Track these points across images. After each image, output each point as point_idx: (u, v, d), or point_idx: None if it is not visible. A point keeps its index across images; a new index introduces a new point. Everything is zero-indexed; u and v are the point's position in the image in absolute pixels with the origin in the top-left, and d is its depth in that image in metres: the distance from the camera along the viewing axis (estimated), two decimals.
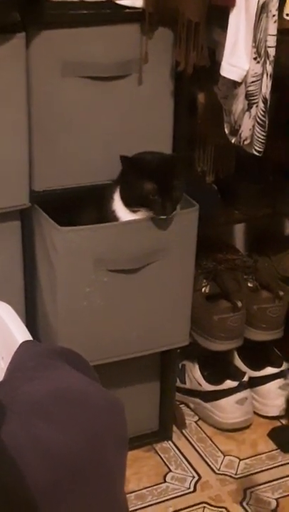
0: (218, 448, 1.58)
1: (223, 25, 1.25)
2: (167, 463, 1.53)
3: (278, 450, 1.58)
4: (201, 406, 1.64)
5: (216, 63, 1.30)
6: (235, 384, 1.59)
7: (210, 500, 1.45)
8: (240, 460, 1.55)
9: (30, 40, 1.20)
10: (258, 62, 1.24)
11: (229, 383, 1.59)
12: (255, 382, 1.64)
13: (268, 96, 1.26)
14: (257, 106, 1.27)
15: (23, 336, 1.07)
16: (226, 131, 1.36)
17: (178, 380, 1.65)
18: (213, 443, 1.59)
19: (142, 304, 1.37)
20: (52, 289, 1.32)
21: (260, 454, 1.56)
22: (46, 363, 0.98)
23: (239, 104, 1.30)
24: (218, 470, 1.52)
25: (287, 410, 1.62)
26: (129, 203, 1.30)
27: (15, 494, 0.80)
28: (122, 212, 1.31)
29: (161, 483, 1.49)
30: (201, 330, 1.58)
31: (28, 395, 0.90)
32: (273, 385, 1.64)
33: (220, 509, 1.43)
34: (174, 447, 1.58)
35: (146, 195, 1.28)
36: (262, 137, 1.29)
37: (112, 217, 1.32)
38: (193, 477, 1.50)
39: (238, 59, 1.25)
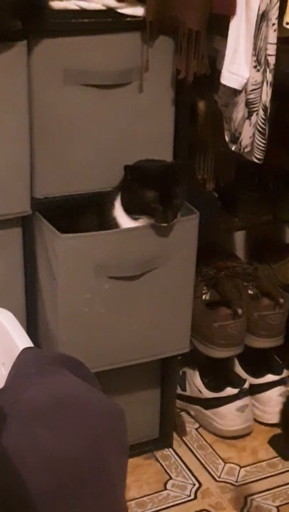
0: (218, 455, 1.58)
1: (224, 33, 1.26)
2: (168, 470, 1.53)
3: (279, 457, 1.57)
4: (202, 413, 1.64)
5: (216, 71, 1.31)
6: (235, 391, 1.59)
7: (210, 508, 1.44)
8: (241, 467, 1.55)
9: (32, 48, 1.21)
10: (258, 70, 1.25)
11: (229, 390, 1.59)
12: (255, 390, 1.64)
13: (268, 104, 1.27)
14: (257, 114, 1.28)
15: (24, 343, 1.07)
16: (227, 138, 1.37)
17: (178, 387, 1.65)
18: (214, 450, 1.59)
19: (143, 311, 1.37)
20: (53, 295, 1.33)
21: (260, 462, 1.56)
22: (47, 369, 0.98)
23: (239, 112, 1.30)
24: (219, 477, 1.52)
25: (283, 419, 1.62)
26: (131, 211, 1.31)
27: (16, 499, 0.80)
28: (123, 220, 1.32)
29: (161, 490, 1.48)
30: (202, 337, 1.58)
31: (29, 402, 0.90)
32: (274, 393, 1.64)
33: None
34: (174, 455, 1.57)
35: (148, 203, 1.29)
36: (262, 145, 1.30)
37: (112, 224, 1.32)
38: (194, 484, 1.50)
39: (238, 67, 1.26)
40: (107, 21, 1.25)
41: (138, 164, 1.31)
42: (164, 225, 1.30)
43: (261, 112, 1.27)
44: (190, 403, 1.67)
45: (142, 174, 1.29)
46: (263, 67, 1.24)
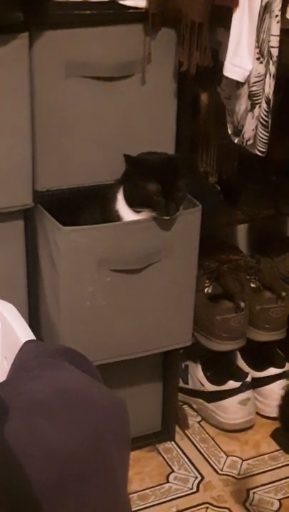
0: (220, 448, 1.58)
1: (226, 25, 1.25)
2: (170, 463, 1.53)
3: (281, 451, 1.58)
4: (204, 406, 1.64)
5: (219, 63, 1.30)
6: (237, 384, 1.59)
7: (213, 501, 1.45)
8: (243, 460, 1.55)
9: (34, 40, 1.20)
10: (261, 62, 1.24)
11: (232, 384, 1.59)
12: (257, 383, 1.64)
13: (270, 96, 1.26)
14: (260, 106, 1.27)
15: (26, 336, 1.07)
16: (229, 131, 1.36)
17: (181, 381, 1.65)
18: (216, 443, 1.59)
19: (145, 304, 1.37)
20: (55, 288, 1.33)
21: (262, 455, 1.56)
22: (49, 362, 0.98)
23: (242, 104, 1.30)
24: (221, 470, 1.52)
25: (281, 413, 1.61)
26: (133, 203, 1.30)
27: (18, 491, 0.80)
28: (125, 212, 1.31)
29: (164, 483, 1.48)
30: (204, 330, 1.58)
31: (31, 395, 0.90)
32: (276, 386, 1.64)
33: (223, 509, 1.43)
34: (176, 448, 1.57)
35: (150, 195, 1.28)
36: (265, 137, 1.29)
37: (115, 217, 1.32)
38: (196, 477, 1.50)
39: (241, 59, 1.25)
40: (109, 13, 1.24)
41: (140, 157, 1.31)
42: (167, 217, 1.30)
43: (264, 105, 1.27)
44: (192, 396, 1.67)
45: (144, 167, 1.29)
46: (265, 59, 1.24)
